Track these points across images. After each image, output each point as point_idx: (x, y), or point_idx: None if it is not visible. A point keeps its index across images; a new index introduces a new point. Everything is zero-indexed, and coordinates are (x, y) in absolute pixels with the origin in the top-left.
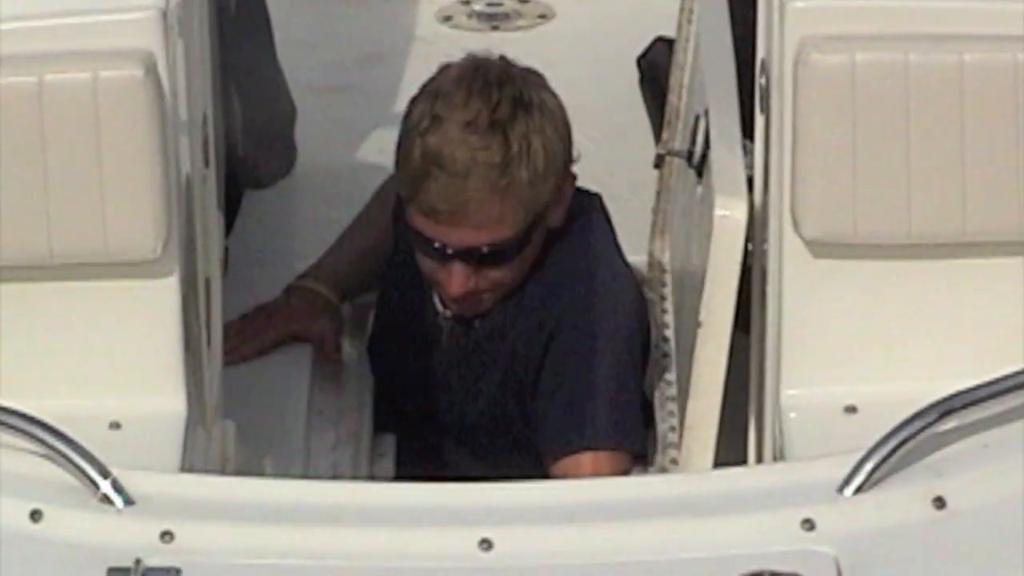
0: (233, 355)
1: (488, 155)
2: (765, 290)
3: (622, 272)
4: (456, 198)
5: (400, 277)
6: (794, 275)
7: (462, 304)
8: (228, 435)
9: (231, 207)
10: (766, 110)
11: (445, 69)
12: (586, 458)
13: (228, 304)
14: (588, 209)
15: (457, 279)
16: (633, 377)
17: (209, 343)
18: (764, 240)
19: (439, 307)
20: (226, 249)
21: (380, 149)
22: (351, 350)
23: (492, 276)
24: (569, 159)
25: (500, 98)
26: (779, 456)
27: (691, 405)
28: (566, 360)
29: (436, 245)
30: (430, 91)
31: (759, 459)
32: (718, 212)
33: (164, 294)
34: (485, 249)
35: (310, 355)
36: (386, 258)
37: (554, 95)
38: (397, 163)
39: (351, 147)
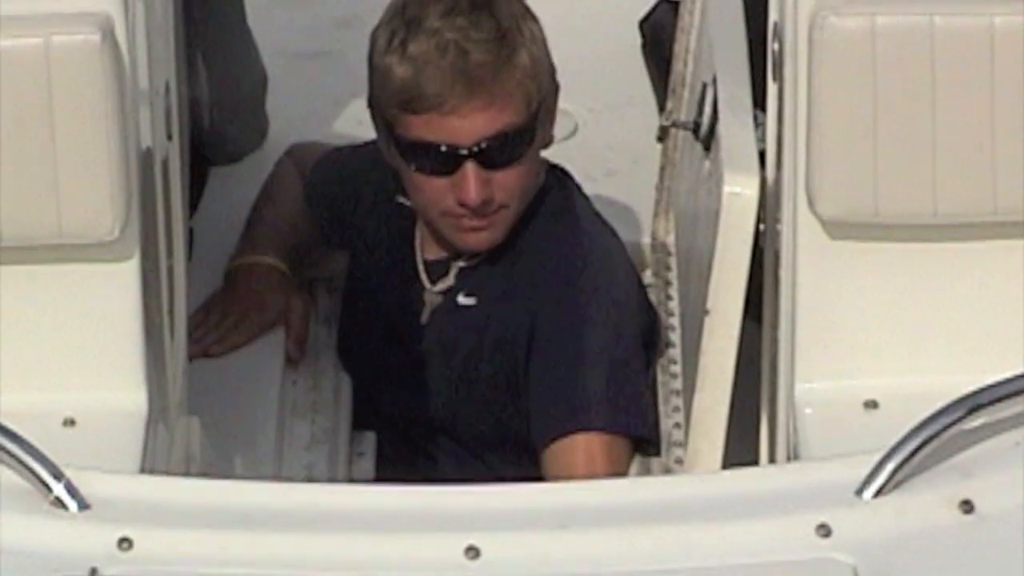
0: (208, 351)
1: (479, 32)
2: (778, 275)
3: (610, 244)
4: (461, 75)
5: (374, 260)
6: (810, 258)
7: (479, 220)
8: (193, 433)
9: (196, 184)
10: (779, 78)
11: None
12: (579, 440)
13: (193, 291)
14: (564, 182)
15: (473, 181)
16: (631, 356)
17: (172, 333)
18: (777, 220)
19: (425, 281)
20: (191, 231)
21: (359, 120)
22: (326, 335)
23: (504, 181)
24: (553, 72)
25: None
26: (793, 456)
27: (698, 399)
28: (554, 339)
29: (444, 148)
30: (392, 8)
31: (771, 459)
32: (727, 189)
33: (122, 279)
34: (497, 139)
35: (281, 343)
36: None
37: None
38: (373, 90)
39: (327, 118)
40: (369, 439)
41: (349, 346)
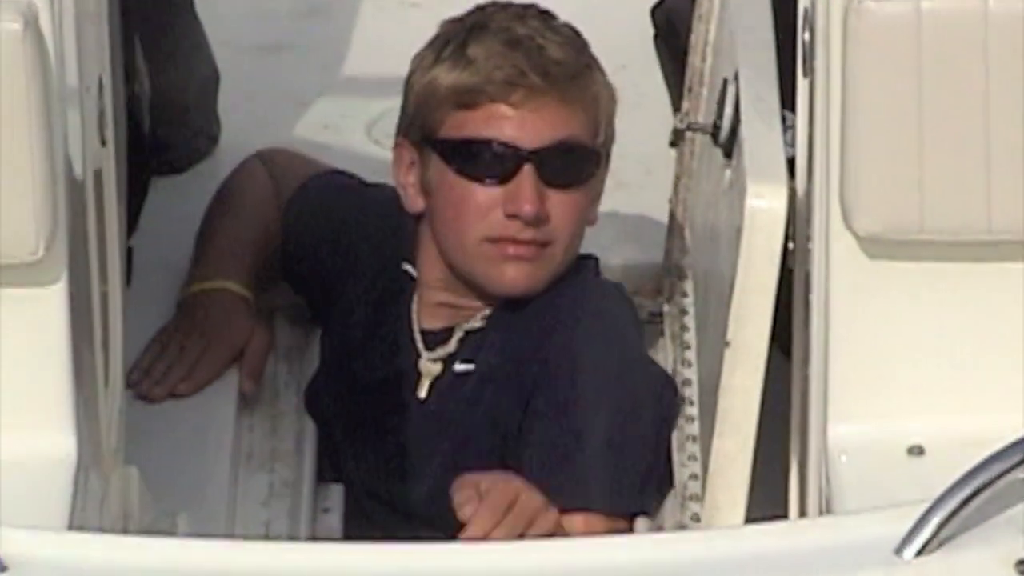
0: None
1: (556, 34)
2: (809, 300)
3: (616, 308)
4: (536, 66)
5: (361, 328)
6: (845, 281)
7: (527, 247)
8: (131, 484)
9: (136, 198)
10: (810, 73)
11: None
12: (577, 520)
13: (132, 321)
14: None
15: (529, 190)
16: (638, 427)
17: (107, 369)
18: (808, 237)
19: (421, 349)
20: (129, 251)
21: (325, 124)
22: (286, 373)
23: (561, 206)
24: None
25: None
26: (825, 509)
27: (717, 446)
28: (553, 411)
29: (502, 147)
30: (445, 24)
31: (801, 513)
32: (751, 202)
33: (47, 307)
34: (564, 147)
35: (235, 381)
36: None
37: None
38: (407, 114)
39: (289, 122)
40: (336, 493)
41: (321, 406)
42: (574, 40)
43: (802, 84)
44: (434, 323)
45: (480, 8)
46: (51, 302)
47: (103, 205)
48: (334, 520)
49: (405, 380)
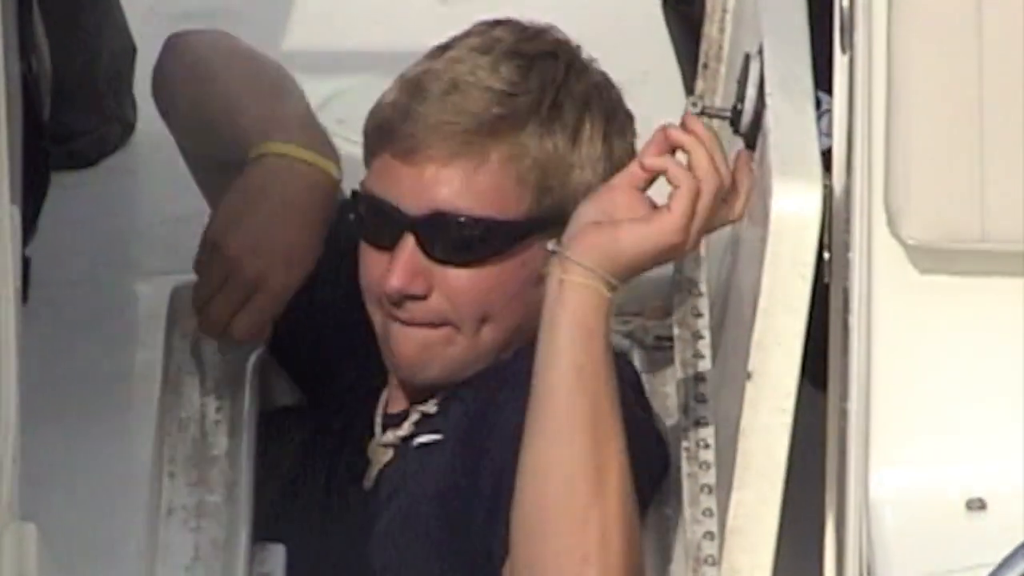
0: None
1: (495, 77)
2: (848, 322)
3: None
4: (427, 118)
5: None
6: (890, 298)
7: (403, 326)
8: (27, 544)
9: (33, 198)
10: (849, 47)
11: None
12: None
13: (30, 347)
14: None
15: (402, 261)
16: None
17: None
18: (847, 246)
19: (378, 433)
20: (25, 262)
21: None
22: (215, 409)
23: (455, 279)
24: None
25: (538, 34)
26: (867, 575)
27: (737, 499)
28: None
29: (384, 209)
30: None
31: None
32: (777, 204)
33: None
34: (449, 218)
35: (153, 413)
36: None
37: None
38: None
39: None
40: (276, 555)
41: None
42: (521, 86)
43: (840, 61)
44: (395, 406)
45: (475, 27)
46: None
47: None
48: None
49: (359, 467)
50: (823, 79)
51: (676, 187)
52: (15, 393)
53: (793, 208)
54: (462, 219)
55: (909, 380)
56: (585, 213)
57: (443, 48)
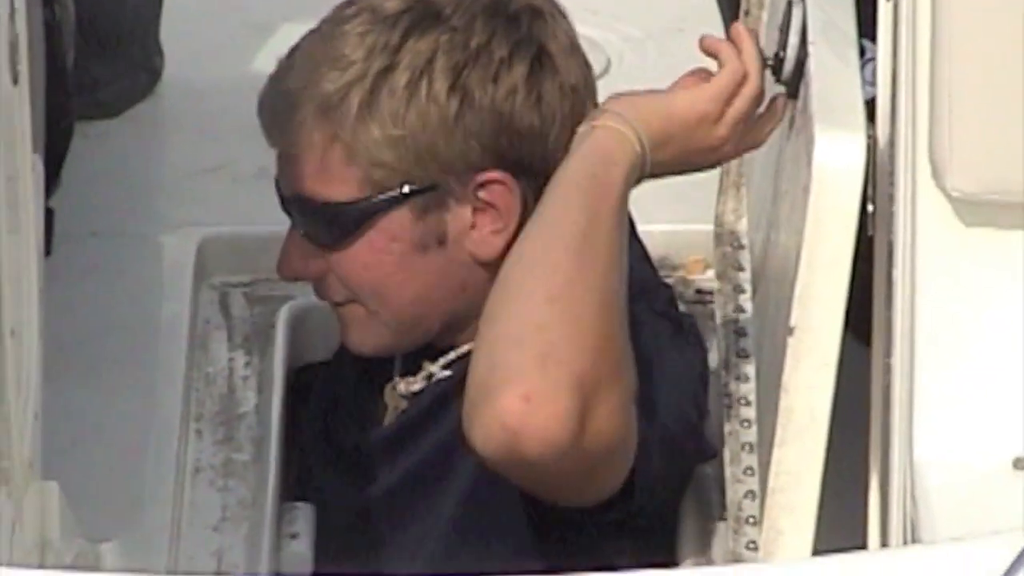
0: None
1: (322, 53)
2: (892, 276)
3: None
4: (271, 104)
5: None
6: (935, 252)
7: (333, 308)
8: (50, 505)
9: (57, 148)
10: None
11: None
12: None
13: (53, 300)
14: None
15: (288, 244)
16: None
17: (21, 360)
18: (892, 198)
19: (396, 376)
20: (49, 214)
21: None
22: (244, 365)
23: (332, 262)
24: (522, 149)
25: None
26: (911, 536)
27: (779, 457)
28: None
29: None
30: None
31: (883, 541)
32: (820, 154)
33: None
34: (306, 202)
35: (180, 369)
36: None
37: (584, 62)
38: None
39: (245, 51)
40: (305, 514)
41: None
42: (339, 59)
43: (884, 7)
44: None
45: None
46: None
47: (15, 158)
48: (303, 547)
49: (374, 411)
50: (867, 27)
51: (723, 65)
52: (37, 348)
53: (836, 158)
54: (312, 202)
55: (954, 335)
56: None
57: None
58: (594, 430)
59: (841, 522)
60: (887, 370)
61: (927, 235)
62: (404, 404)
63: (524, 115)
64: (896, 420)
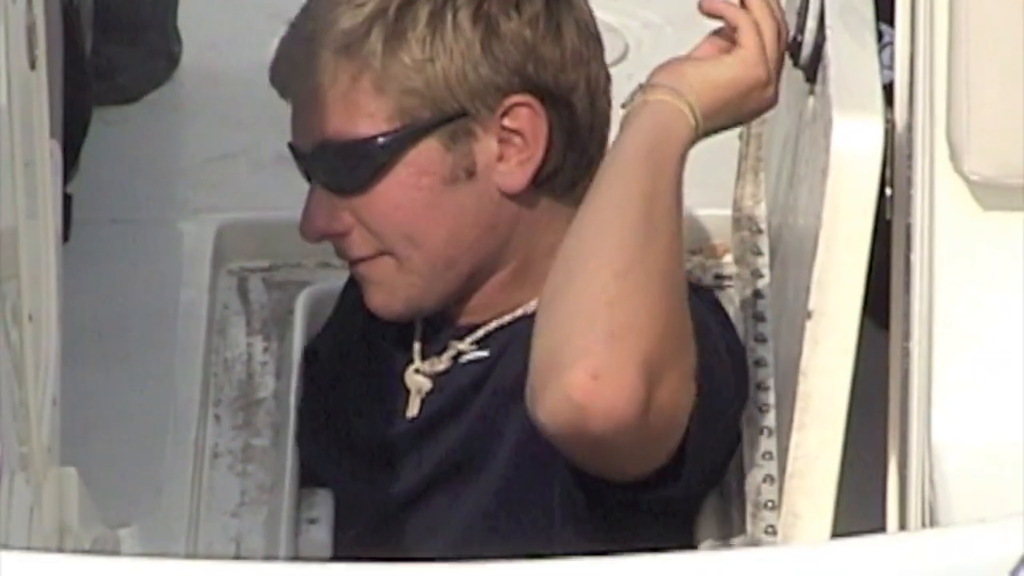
0: None
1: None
2: (910, 260)
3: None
4: (288, 53)
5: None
6: (952, 235)
7: (354, 268)
8: (68, 490)
9: (75, 134)
10: None
11: None
12: None
13: (71, 286)
14: None
15: (311, 204)
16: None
17: (39, 346)
18: (910, 182)
19: (416, 354)
20: (67, 200)
21: None
22: (262, 351)
23: (360, 211)
24: (547, 76)
25: None
26: (929, 520)
27: (797, 440)
28: None
29: (294, 153)
30: None
31: (901, 524)
32: (838, 139)
33: None
34: (326, 147)
35: (201, 355)
36: None
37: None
38: None
39: (266, 37)
40: (324, 500)
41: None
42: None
43: None
44: (431, 339)
45: None
46: None
47: (32, 143)
48: (322, 533)
49: (394, 398)
50: (885, 10)
51: (736, 26)
52: (56, 334)
53: (854, 143)
54: (338, 146)
55: (972, 319)
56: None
57: None
58: (659, 405)
59: (860, 505)
60: (905, 354)
61: (945, 219)
62: (428, 387)
63: (546, 43)
64: (914, 404)
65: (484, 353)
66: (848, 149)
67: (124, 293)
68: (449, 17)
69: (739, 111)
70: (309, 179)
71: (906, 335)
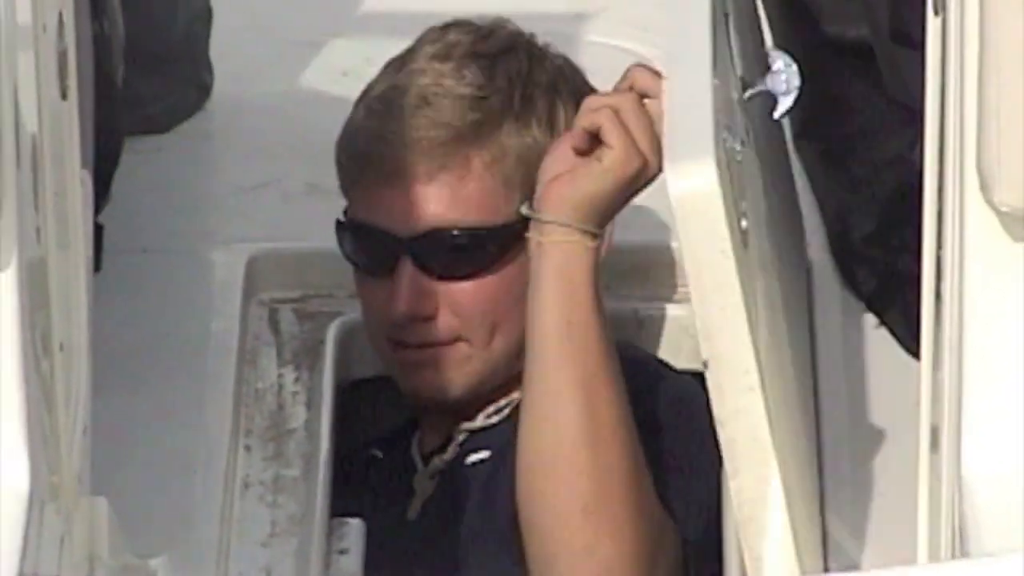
0: None
1: (461, 82)
2: (940, 290)
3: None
4: (403, 137)
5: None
6: (983, 266)
7: (415, 350)
8: (99, 520)
9: (106, 164)
10: (942, 9)
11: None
12: None
13: (101, 316)
14: None
15: (404, 286)
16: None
17: (70, 374)
18: (941, 212)
19: (416, 457)
20: (98, 229)
21: (343, 70)
22: (292, 381)
23: (460, 293)
24: None
25: (492, 31)
26: (959, 550)
27: (736, 487)
28: None
29: (380, 234)
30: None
31: (931, 555)
32: (674, 188)
33: None
34: (441, 236)
35: (230, 385)
36: None
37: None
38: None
39: (296, 67)
40: (354, 530)
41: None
42: (490, 87)
43: (932, 23)
44: (432, 440)
45: (427, 33)
46: None
47: (63, 173)
48: (353, 564)
49: (396, 502)
50: (917, 38)
51: (599, 124)
52: (87, 363)
53: (690, 188)
54: (456, 232)
55: (1003, 349)
56: (544, 172)
57: (401, 61)
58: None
59: (892, 536)
60: (937, 383)
61: (975, 249)
62: (433, 487)
63: None
64: (945, 435)
65: (485, 454)
66: (686, 195)
67: (155, 323)
68: (561, 114)
69: (629, 197)
70: (395, 259)
71: (936, 365)
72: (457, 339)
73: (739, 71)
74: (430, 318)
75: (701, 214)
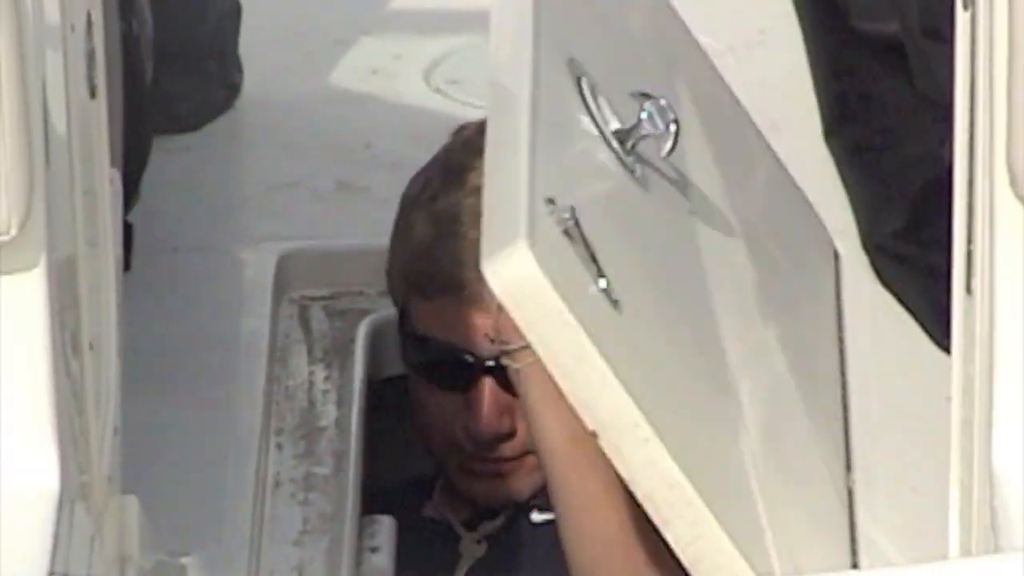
0: None
1: None
2: (971, 285)
3: None
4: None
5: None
6: (1013, 261)
7: (492, 463)
8: (130, 519)
9: (135, 163)
10: (971, 4)
11: (459, 132)
12: None
13: (132, 315)
14: None
15: (488, 405)
16: None
17: (99, 375)
18: (971, 208)
19: (458, 527)
20: (127, 229)
21: (372, 68)
22: (323, 378)
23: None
24: None
25: None
26: (992, 545)
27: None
28: None
29: (456, 351)
30: (438, 158)
31: (963, 551)
32: (493, 277)
33: (22, 296)
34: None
35: (260, 384)
36: None
37: None
38: (392, 251)
39: (325, 65)
40: (385, 527)
41: None
42: None
43: (961, 17)
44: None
45: (469, 142)
46: (26, 293)
47: (92, 172)
48: (384, 561)
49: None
50: (947, 33)
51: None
52: (116, 362)
53: (509, 274)
54: None
55: None
56: (491, 304)
57: (461, 174)
58: None
59: (924, 533)
60: (968, 376)
61: (1005, 244)
62: (481, 551)
63: None
64: (976, 429)
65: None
66: (507, 282)
67: (185, 322)
68: None
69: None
70: (474, 378)
71: (968, 358)
72: (528, 452)
73: (612, 126)
74: (511, 435)
75: (530, 298)
